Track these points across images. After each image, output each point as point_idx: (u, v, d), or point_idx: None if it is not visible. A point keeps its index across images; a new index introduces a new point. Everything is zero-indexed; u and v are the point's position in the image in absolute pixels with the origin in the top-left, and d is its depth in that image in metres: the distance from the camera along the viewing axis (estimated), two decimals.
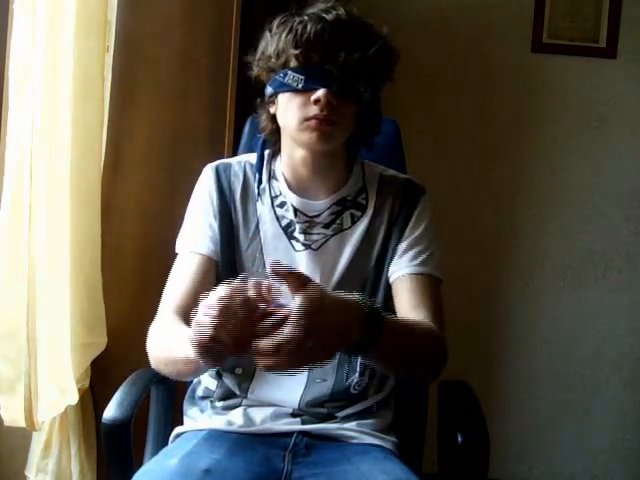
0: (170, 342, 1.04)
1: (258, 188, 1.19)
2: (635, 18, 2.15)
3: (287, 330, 0.78)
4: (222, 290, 0.81)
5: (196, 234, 1.18)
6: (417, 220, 1.20)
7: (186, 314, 1.04)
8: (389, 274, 1.17)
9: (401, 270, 1.16)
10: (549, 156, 2.21)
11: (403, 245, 1.18)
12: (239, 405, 1.16)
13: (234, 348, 0.80)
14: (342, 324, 0.87)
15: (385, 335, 0.92)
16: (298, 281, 0.81)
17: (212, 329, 0.79)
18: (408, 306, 1.12)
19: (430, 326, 1.09)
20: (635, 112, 2.19)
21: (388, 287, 1.18)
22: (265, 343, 0.79)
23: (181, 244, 1.20)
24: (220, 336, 0.79)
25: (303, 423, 1.13)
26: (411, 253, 1.17)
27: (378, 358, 0.99)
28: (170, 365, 1.05)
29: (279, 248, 1.16)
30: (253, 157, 1.23)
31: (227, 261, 1.17)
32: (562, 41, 2.16)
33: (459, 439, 1.07)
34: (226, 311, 0.79)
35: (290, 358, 0.80)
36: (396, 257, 1.17)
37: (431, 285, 1.16)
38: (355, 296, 0.92)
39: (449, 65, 2.19)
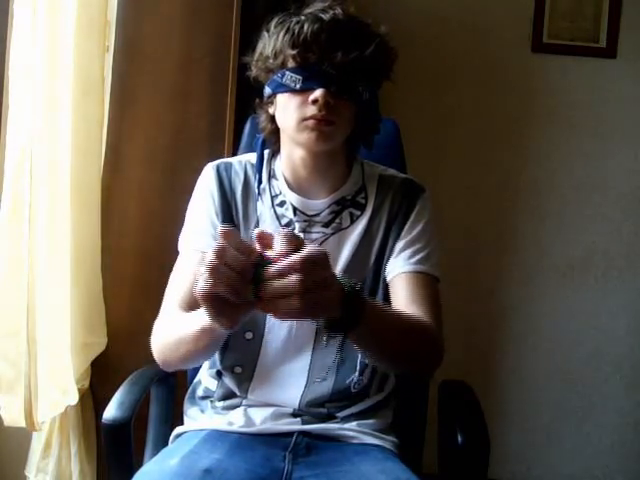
0: (180, 324, 1.04)
1: (258, 187, 1.19)
2: (635, 18, 2.15)
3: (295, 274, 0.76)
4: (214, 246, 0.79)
5: (198, 232, 1.18)
6: (415, 219, 1.20)
7: (190, 311, 1.04)
8: (386, 273, 1.17)
9: (398, 269, 1.16)
10: (549, 156, 2.21)
11: (400, 244, 1.18)
12: (239, 405, 1.16)
13: (233, 293, 0.77)
14: (332, 285, 0.84)
15: (365, 317, 0.89)
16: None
17: (209, 279, 0.77)
18: (404, 304, 1.12)
19: (422, 321, 1.08)
20: (635, 112, 2.19)
21: (387, 285, 1.18)
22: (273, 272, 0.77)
23: (183, 242, 1.20)
24: (218, 284, 0.77)
25: (303, 423, 1.13)
26: (408, 252, 1.16)
27: (358, 341, 0.96)
28: (182, 346, 1.03)
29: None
30: (253, 157, 1.23)
31: None
32: (562, 41, 2.16)
33: (459, 439, 1.07)
34: (218, 261, 0.77)
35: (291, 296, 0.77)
36: (393, 256, 1.17)
37: (428, 283, 1.16)
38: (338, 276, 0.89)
39: (449, 65, 2.19)
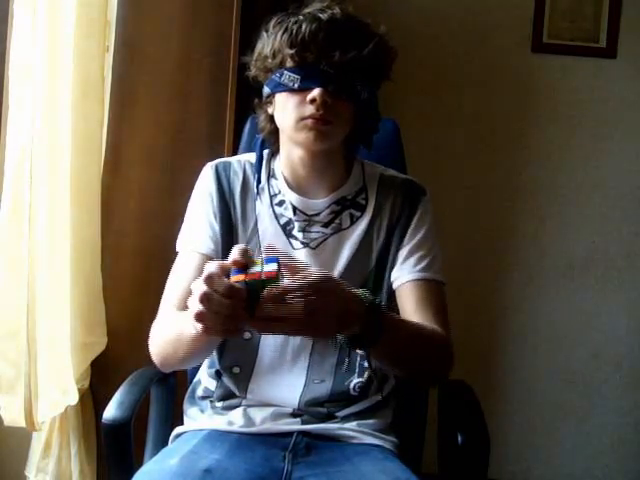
0: (177, 326, 1.05)
1: (257, 187, 1.19)
2: (635, 18, 2.15)
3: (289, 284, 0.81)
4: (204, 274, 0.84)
5: (196, 233, 1.18)
6: (418, 223, 1.20)
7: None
8: (392, 280, 1.17)
9: (404, 277, 1.16)
10: (549, 156, 2.21)
11: (405, 251, 1.17)
12: (239, 405, 1.16)
13: (227, 330, 0.83)
14: (343, 307, 0.87)
15: (385, 332, 0.93)
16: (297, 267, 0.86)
17: (201, 310, 0.82)
18: (412, 312, 1.12)
19: (435, 330, 1.09)
20: (635, 112, 2.19)
21: (390, 290, 1.17)
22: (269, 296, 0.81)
23: (182, 243, 1.20)
24: (211, 312, 0.82)
25: (303, 423, 1.13)
26: (413, 259, 1.17)
27: (378, 354, 1.00)
28: (180, 347, 1.04)
29: (277, 246, 1.15)
30: (253, 156, 1.23)
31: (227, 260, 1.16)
32: (562, 41, 2.16)
33: (459, 439, 1.07)
34: (207, 293, 0.82)
35: (289, 320, 0.82)
36: (398, 263, 1.17)
37: (435, 290, 1.16)
38: (359, 290, 0.94)
39: (449, 65, 2.19)
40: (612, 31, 2.15)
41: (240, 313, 0.82)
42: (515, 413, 2.25)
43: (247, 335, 1.15)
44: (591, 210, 2.22)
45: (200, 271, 1.12)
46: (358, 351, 1.12)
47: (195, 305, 0.82)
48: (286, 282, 0.81)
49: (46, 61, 1.47)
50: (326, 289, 0.84)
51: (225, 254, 1.16)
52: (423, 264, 1.16)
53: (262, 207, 1.19)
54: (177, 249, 1.20)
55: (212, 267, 0.84)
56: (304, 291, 0.81)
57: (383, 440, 1.13)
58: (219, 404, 1.17)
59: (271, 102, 1.16)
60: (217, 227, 1.17)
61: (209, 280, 0.82)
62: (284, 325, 0.82)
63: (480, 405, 1.15)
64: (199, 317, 0.82)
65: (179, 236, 1.21)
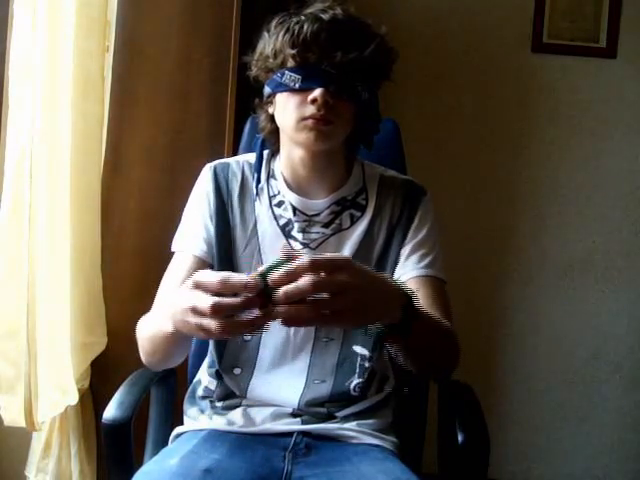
0: (154, 325, 1.05)
1: (256, 187, 1.19)
2: (635, 18, 2.15)
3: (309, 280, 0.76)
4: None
5: (190, 235, 1.18)
6: (420, 222, 1.20)
7: None
8: (395, 278, 1.17)
9: (407, 274, 1.16)
10: (549, 156, 2.21)
11: (407, 249, 1.18)
12: (239, 405, 1.16)
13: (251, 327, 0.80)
14: (380, 297, 0.85)
15: (418, 324, 0.92)
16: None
17: (219, 324, 0.79)
18: None
19: (449, 325, 1.10)
20: (635, 112, 2.19)
21: None
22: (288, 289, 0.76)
23: (176, 244, 1.20)
24: (228, 319, 0.79)
25: (303, 423, 1.13)
26: (416, 256, 1.17)
27: (406, 346, 0.98)
28: (159, 347, 1.06)
29: (277, 247, 1.15)
30: (252, 157, 1.24)
31: (224, 262, 1.16)
32: (562, 41, 2.16)
33: (459, 439, 1.07)
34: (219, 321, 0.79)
35: (312, 308, 0.77)
36: (401, 261, 1.17)
37: (438, 287, 1.16)
38: (395, 281, 0.93)
39: (449, 65, 2.19)
40: (612, 31, 2.15)
41: (257, 304, 0.78)
42: (515, 413, 2.25)
43: (247, 336, 1.15)
44: (591, 210, 2.22)
45: (191, 273, 1.12)
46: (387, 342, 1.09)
47: (212, 323, 0.79)
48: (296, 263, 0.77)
49: (46, 61, 1.47)
50: (350, 267, 0.80)
51: (220, 256, 1.17)
52: (426, 261, 1.16)
53: (261, 208, 1.19)
54: (172, 249, 1.21)
55: (219, 275, 0.80)
56: (307, 269, 0.76)
57: (383, 440, 1.13)
58: (219, 404, 1.17)
59: (272, 102, 1.16)
60: (212, 229, 1.17)
61: (223, 285, 0.78)
62: (306, 309, 0.77)
63: (480, 405, 1.14)
64: (223, 330, 0.79)
65: (175, 237, 1.21)
